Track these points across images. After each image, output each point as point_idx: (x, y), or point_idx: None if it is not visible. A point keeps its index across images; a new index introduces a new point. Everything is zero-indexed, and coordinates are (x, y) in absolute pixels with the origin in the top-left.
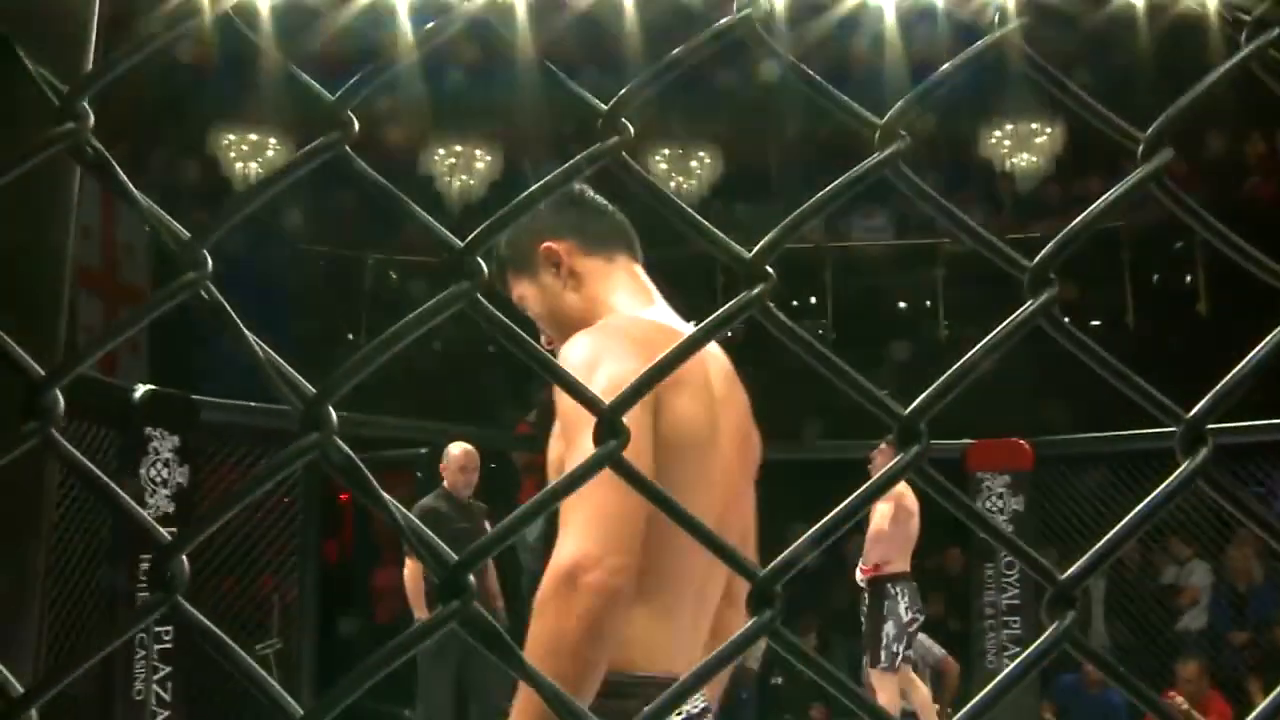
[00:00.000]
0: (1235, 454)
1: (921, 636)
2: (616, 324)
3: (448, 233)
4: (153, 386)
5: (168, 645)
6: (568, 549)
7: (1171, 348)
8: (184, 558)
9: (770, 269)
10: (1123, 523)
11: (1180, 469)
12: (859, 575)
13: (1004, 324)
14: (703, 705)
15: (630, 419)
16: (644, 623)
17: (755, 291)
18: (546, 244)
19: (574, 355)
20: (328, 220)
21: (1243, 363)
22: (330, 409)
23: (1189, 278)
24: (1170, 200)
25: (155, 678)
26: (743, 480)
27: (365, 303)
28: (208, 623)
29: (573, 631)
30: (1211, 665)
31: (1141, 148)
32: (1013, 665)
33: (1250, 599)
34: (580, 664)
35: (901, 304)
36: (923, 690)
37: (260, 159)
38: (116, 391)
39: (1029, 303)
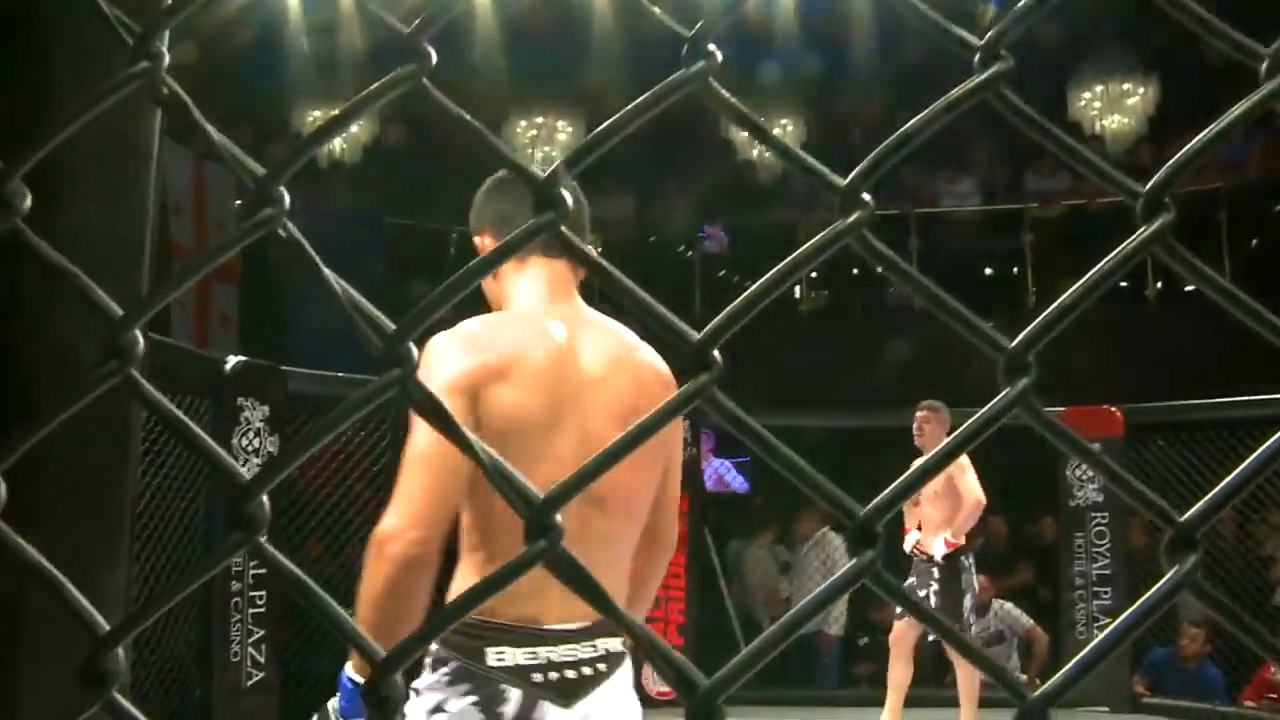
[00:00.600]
0: None
1: (1009, 606)
2: (467, 326)
3: (527, 167)
4: (244, 358)
5: (261, 609)
6: (384, 519)
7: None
8: (265, 498)
9: (868, 197)
10: (1246, 464)
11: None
12: (936, 548)
13: (1115, 253)
14: (617, 648)
15: (436, 409)
16: (487, 569)
17: (851, 219)
18: (476, 237)
19: (424, 354)
20: (414, 194)
21: (1063, 298)
22: (411, 346)
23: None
24: (1175, 261)
25: (250, 640)
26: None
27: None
28: (289, 563)
29: (378, 589)
30: None
31: (1140, 205)
32: (1126, 613)
33: None
34: (384, 613)
35: (989, 270)
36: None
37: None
38: (209, 363)
39: (1142, 229)
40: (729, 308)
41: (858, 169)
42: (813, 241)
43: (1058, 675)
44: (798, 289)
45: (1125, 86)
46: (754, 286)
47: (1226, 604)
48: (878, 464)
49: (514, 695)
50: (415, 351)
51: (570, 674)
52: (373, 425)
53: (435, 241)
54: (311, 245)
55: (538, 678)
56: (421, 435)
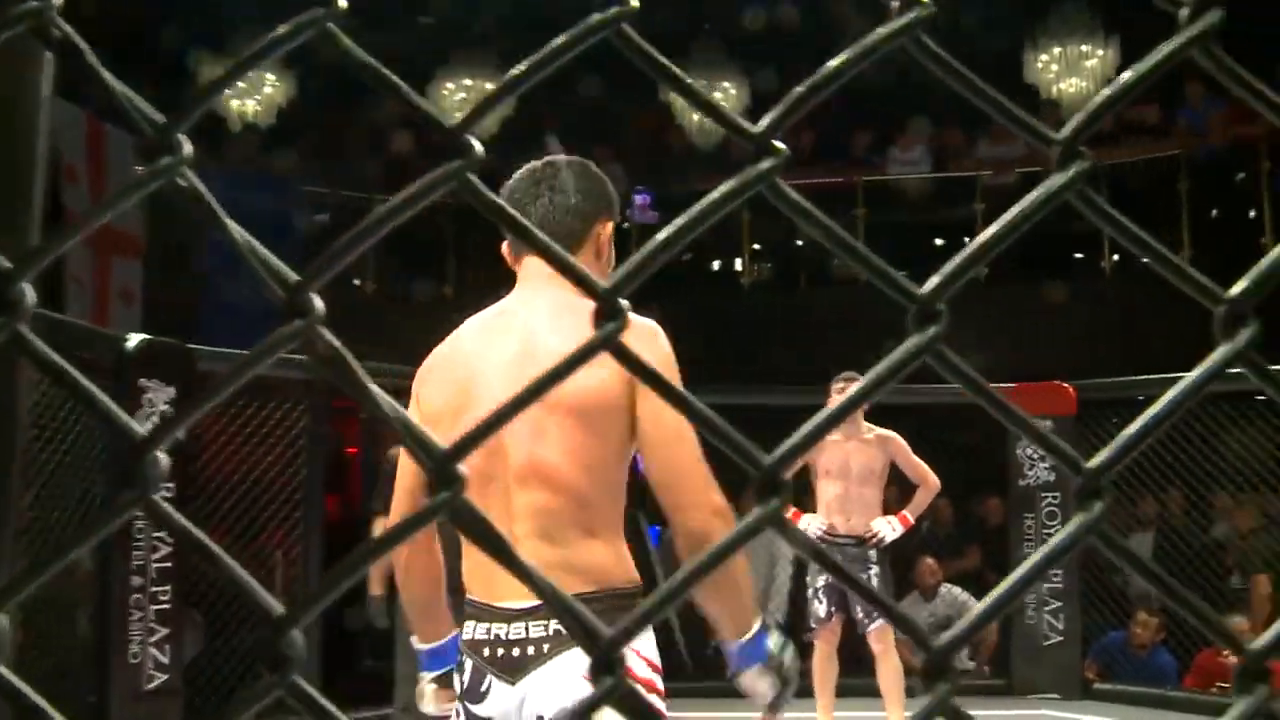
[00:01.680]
0: None
1: (957, 590)
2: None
3: (437, 113)
4: (146, 336)
5: (165, 605)
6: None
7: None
8: (159, 455)
9: (781, 145)
10: (1150, 413)
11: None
12: (883, 529)
13: (1029, 198)
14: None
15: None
16: (467, 566)
17: (764, 167)
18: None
19: None
20: (336, 164)
21: (974, 243)
22: (315, 296)
23: (1252, 212)
24: (1091, 211)
25: (152, 639)
26: (551, 424)
27: (375, 245)
28: (185, 522)
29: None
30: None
31: (1056, 153)
32: (1031, 560)
33: None
34: (401, 587)
35: (939, 240)
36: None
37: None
38: (109, 341)
39: (1057, 176)
40: (633, 258)
41: (771, 115)
42: (722, 188)
43: (960, 625)
44: (739, 261)
45: (1084, 49)
46: (660, 236)
47: (1136, 556)
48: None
49: (468, 666)
50: (319, 302)
51: (515, 651)
52: (289, 406)
53: (357, 212)
54: (227, 213)
55: (486, 652)
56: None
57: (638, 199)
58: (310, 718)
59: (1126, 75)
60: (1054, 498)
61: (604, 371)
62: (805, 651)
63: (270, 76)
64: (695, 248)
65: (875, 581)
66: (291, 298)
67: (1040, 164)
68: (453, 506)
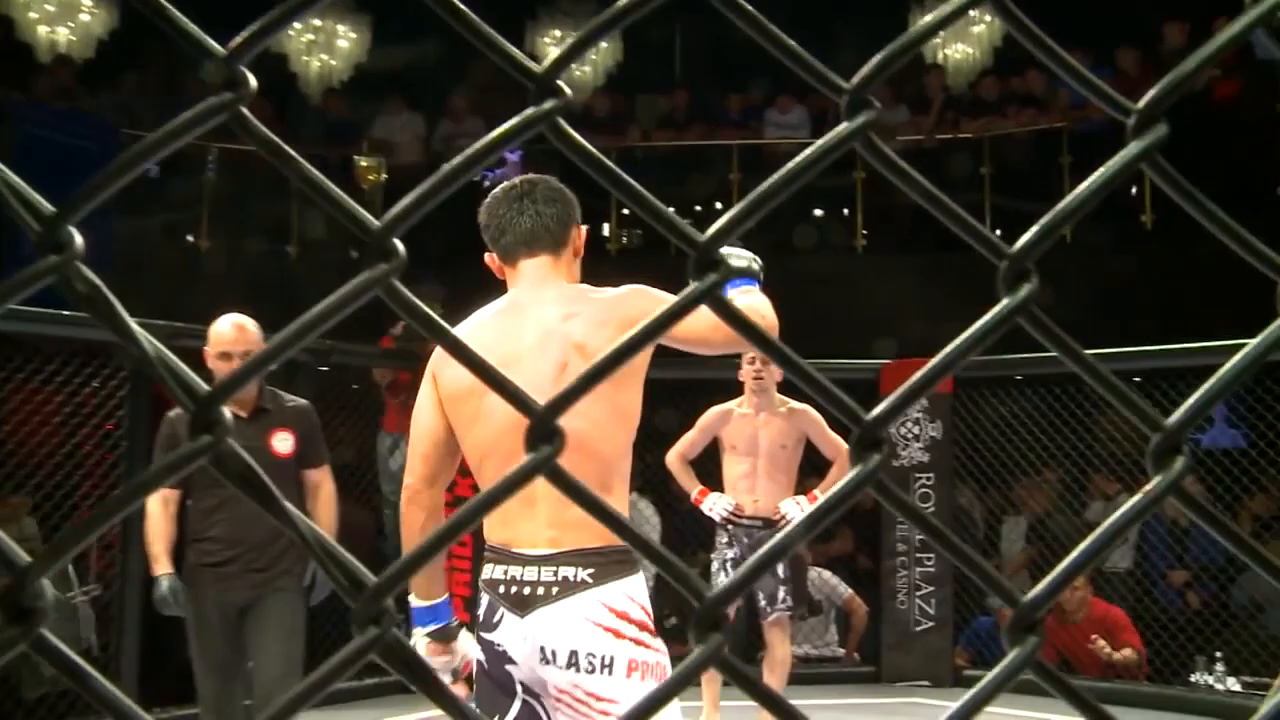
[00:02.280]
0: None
1: (827, 575)
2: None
3: (523, 57)
4: None
5: None
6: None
7: (1113, 265)
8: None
9: (562, 85)
10: (923, 370)
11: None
12: (799, 510)
13: (1111, 163)
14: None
15: (421, 388)
16: (490, 517)
17: (546, 106)
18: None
19: None
20: (162, 104)
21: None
22: (74, 232)
23: (1134, 189)
24: (1162, 178)
25: None
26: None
27: (208, 196)
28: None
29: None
30: (1139, 605)
31: (1133, 121)
32: (803, 515)
33: (1196, 537)
34: (403, 538)
35: (818, 211)
36: None
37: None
38: None
39: (845, 124)
40: (734, 211)
41: (552, 57)
42: (505, 127)
43: (732, 579)
44: (606, 226)
45: (971, 14)
46: (434, 177)
47: (912, 506)
48: (694, 416)
49: (484, 601)
50: (78, 238)
51: (525, 590)
52: (108, 373)
53: (192, 158)
54: (29, 151)
55: (501, 590)
56: (418, 402)
57: (510, 157)
58: (64, 676)
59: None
60: (928, 479)
61: (607, 311)
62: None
63: (87, 3)
64: (583, 215)
65: (781, 570)
66: (46, 233)
67: (923, 133)
68: (216, 451)
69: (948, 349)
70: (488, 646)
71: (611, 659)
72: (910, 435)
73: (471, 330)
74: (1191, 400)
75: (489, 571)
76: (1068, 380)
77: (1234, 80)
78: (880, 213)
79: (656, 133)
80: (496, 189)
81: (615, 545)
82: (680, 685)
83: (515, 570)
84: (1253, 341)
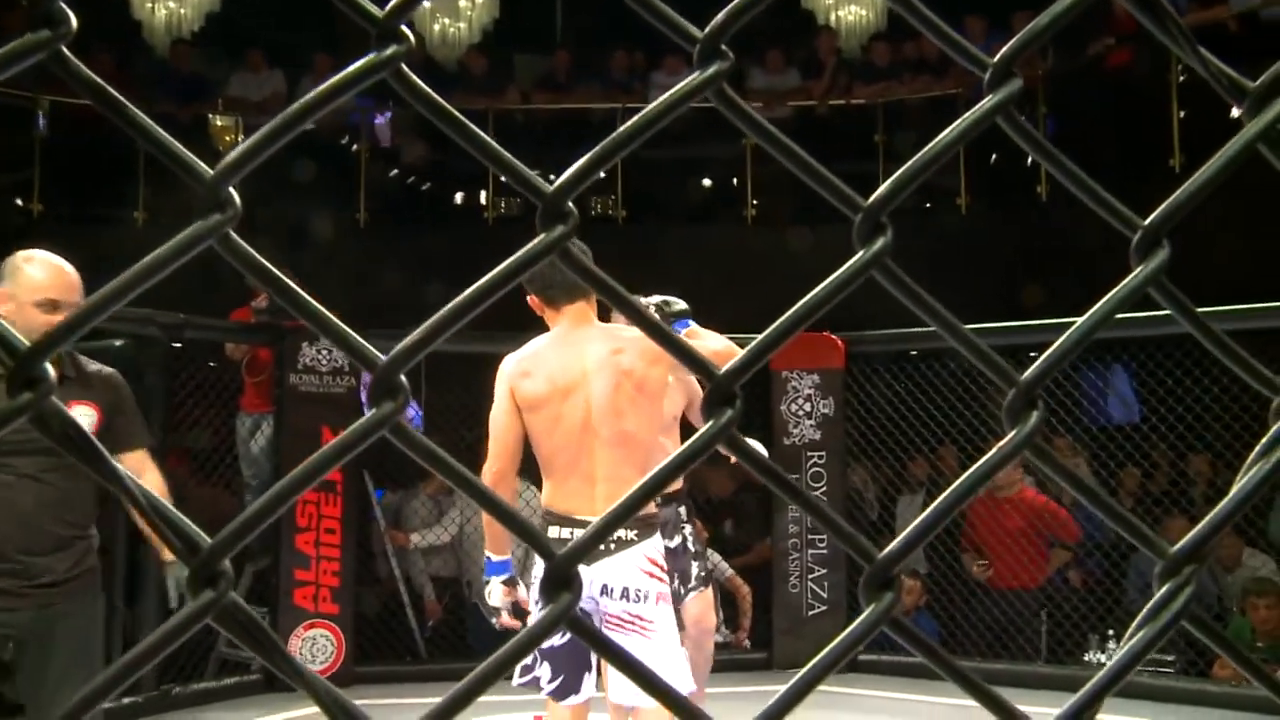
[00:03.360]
0: None
1: (712, 553)
2: (519, 349)
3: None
4: None
5: None
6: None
7: (1009, 236)
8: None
9: (405, 31)
10: (773, 331)
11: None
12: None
13: (966, 117)
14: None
15: (498, 396)
16: (548, 487)
17: (388, 52)
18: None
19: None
20: None
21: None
22: None
23: (1029, 159)
24: (1017, 133)
25: None
26: (612, 407)
27: (40, 155)
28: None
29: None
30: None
31: (988, 76)
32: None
33: (1079, 515)
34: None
35: (707, 180)
36: None
37: None
38: None
39: (989, 98)
40: (241, 146)
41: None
42: (345, 73)
43: (580, 539)
44: (483, 194)
45: None
46: (269, 125)
47: (763, 460)
48: None
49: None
50: None
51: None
52: None
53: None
54: None
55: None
56: (495, 406)
57: (378, 120)
58: None
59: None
60: (819, 457)
61: (664, 365)
62: None
63: None
64: (439, 179)
65: (690, 543)
66: None
67: (815, 98)
68: (38, 409)
69: (803, 302)
70: None
71: (648, 593)
72: (801, 412)
73: (536, 350)
74: (1045, 355)
75: (555, 533)
76: (959, 354)
77: (1127, 49)
78: (769, 181)
79: (536, 94)
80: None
81: (650, 513)
82: (857, 644)
83: (579, 533)
84: (1104, 299)
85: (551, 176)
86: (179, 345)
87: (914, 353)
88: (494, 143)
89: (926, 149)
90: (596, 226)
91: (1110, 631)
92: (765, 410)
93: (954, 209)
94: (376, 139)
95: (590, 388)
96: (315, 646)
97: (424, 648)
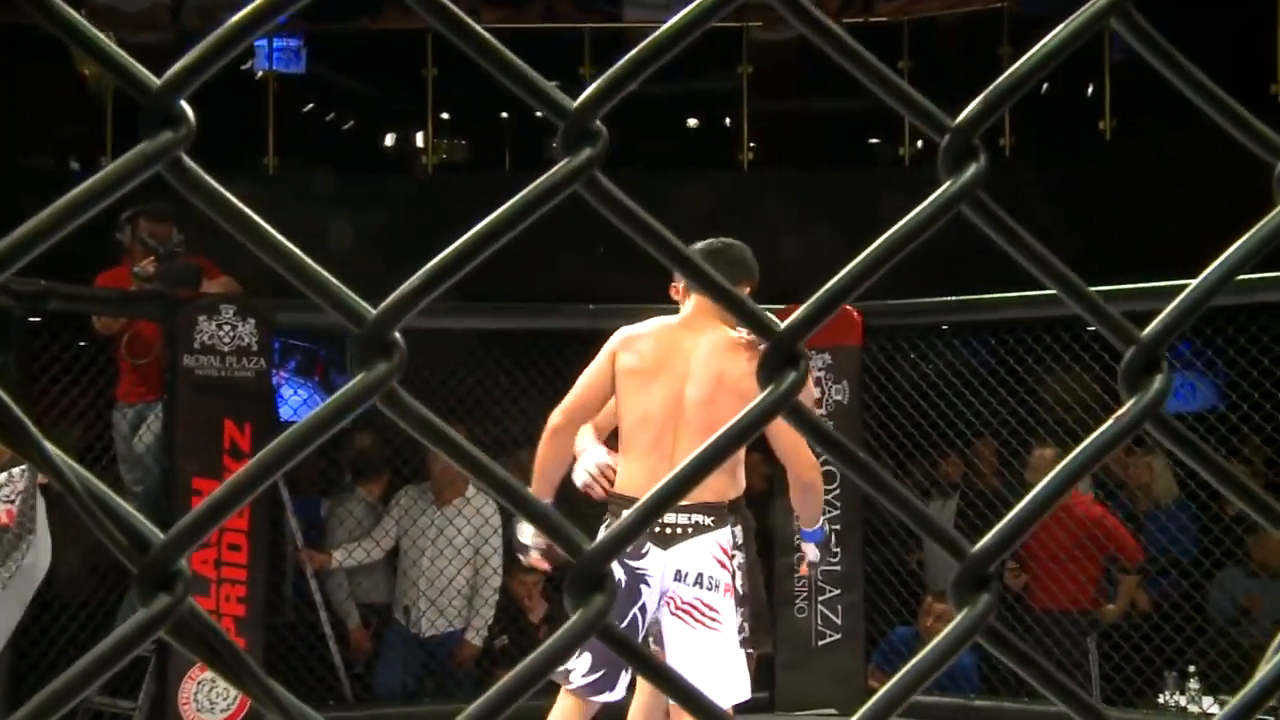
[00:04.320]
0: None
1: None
2: (631, 326)
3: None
4: None
5: None
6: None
7: (1065, 182)
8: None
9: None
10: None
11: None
12: None
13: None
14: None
15: (598, 358)
16: (622, 465)
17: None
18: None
19: None
20: None
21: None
22: None
23: (1090, 88)
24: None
25: None
26: (706, 396)
27: None
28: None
29: (541, 441)
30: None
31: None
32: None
33: (1153, 524)
34: (539, 457)
35: (693, 121)
36: None
37: None
38: None
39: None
40: (186, 57)
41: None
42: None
43: (610, 534)
44: (420, 137)
45: None
46: (210, 37)
47: (828, 431)
48: (564, 372)
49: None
50: None
51: (668, 530)
52: None
53: None
54: None
55: (651, 530)
56: (592, 365)
57: (291, 43)
58: None
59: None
60: None
61: (751, 366)
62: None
63: None
64: (366, 117)
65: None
66: None
67: (829, 15)
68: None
69: (880, 241)
70: (630, 571)
71: (719, 581)
72: (810, 400)
73: (650, 328)
74: (1171, 308)
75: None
76: (1005, 328)
77: None
78: (769, 120)
79: (486, 11)
80: (700, 245)
81: (724, 500)
82: (947, 657)
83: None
84: (1243, 238)
85: (505, 115)
86: (38, 319)
87: (945, 327)
88: (481, 30)
89: (1029, 58)
90: (474, 176)
91: (1191, 668)
92: None
93: (995, 152)
94: (287, 66)
95: (692, 374)
96: (214, 691)
97: (349, 688)
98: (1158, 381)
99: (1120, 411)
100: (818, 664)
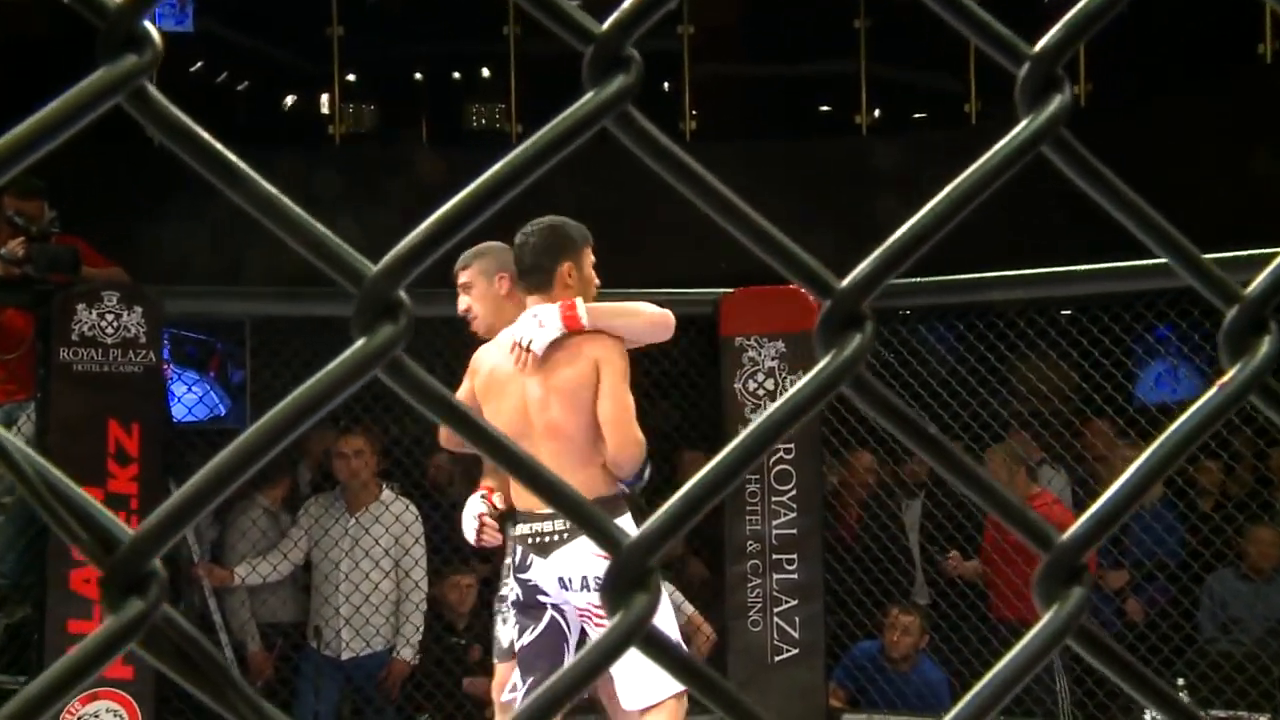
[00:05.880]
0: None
1: (668, 585)
2: None
3: None
4: None
5: None
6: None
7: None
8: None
9: None
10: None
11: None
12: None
13: None
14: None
15: (465, 386)
16: (514, 491)
17: None
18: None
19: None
20: None
21: None
22: None
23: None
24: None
25: None
26: (554, 400)
27: None
28: None
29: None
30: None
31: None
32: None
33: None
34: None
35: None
36: None
37: None
38: None
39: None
40: None
41: None
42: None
43: (651, 525)
44: (325, 102)
45: None
46: None
47: (900, 408)
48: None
49: (517, 550)
50: None
51: (544, 539)
52: None
53: None
54: None
55: (530, 541)
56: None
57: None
58: None
59: None
60: (786, 451)
61: (583, 364)
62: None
63: None
64: (264, 77)
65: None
66: None
67: None
68: None
69: (954, 185)
70: (523, 584)
71: None
72: (762, 391)
73: (494, 344)
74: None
75: (519, 530)
76: (977, 312)
77: None
78: (714, 84)
79: None
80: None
81: (602, 496)
82: (1036, 661)
83: (537, 525)
84: None
85: (419, 76)
86: None
87: (907, 311)
88: None
89: None
90: (479, 142)
91: (1180, 680)
92: (714, 389)
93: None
94: (174, 23)
95: (525, 381)
96: None
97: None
98: (1266, 344)
99: (1224, 379)
100: (774, 681)
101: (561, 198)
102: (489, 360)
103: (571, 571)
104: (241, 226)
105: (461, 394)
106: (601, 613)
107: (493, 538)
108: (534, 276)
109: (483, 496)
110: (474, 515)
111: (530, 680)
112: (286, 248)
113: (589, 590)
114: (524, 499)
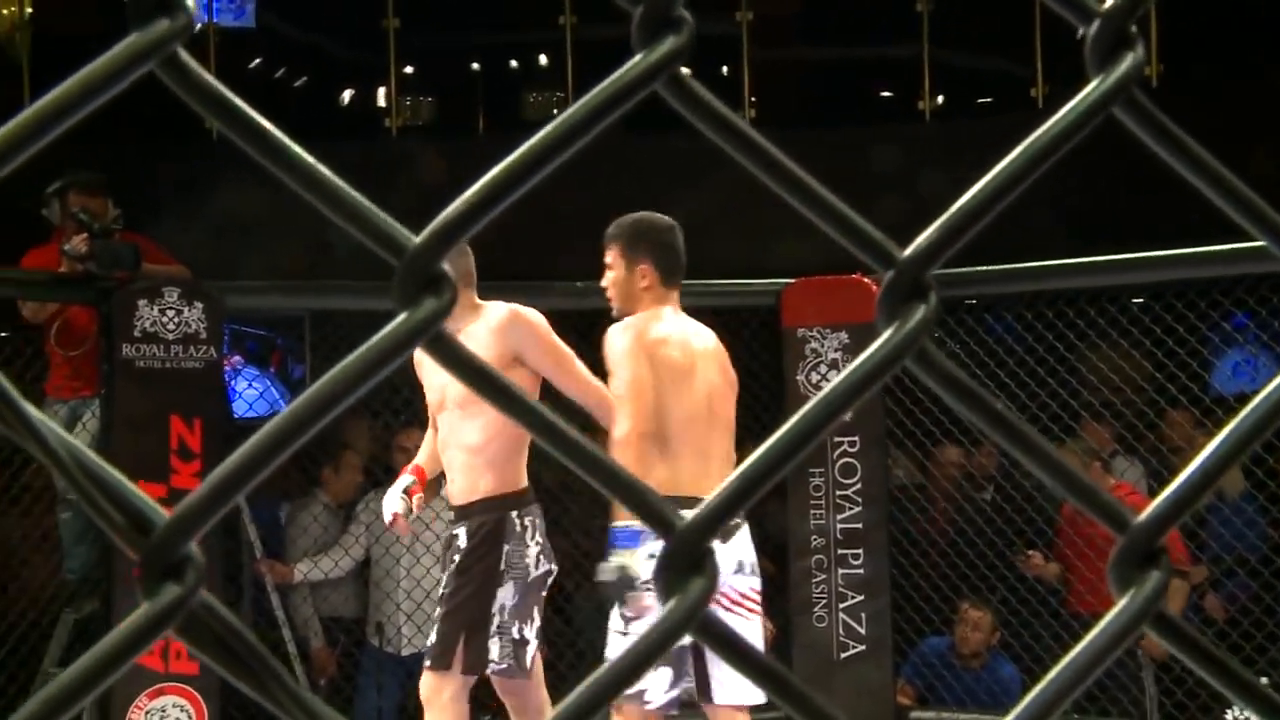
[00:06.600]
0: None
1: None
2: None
3: None
4: None
5: None
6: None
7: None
8: None
9: None
10: None
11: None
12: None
13: None
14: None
15: (632, 359)
16: (663, 467)
17: None
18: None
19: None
20: None
21: None
22: None
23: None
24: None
25: None
26: (724, 391)
27: None
28: None
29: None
30: None
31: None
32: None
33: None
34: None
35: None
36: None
37: None
38: None
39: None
40: None
41: None
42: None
43: (705, 508)
44: (382, 95)
45: None
46: None
47: (968, 384)
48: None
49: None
50: None
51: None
52: None
53: None
54: None
55: None
56: (629, 370)
57: None
58: None
59: None
60: (851, 444)
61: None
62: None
63: None
64: (321, 72)
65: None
66: None
67: None
68: None
69: (1026, 144)
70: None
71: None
72: (824, 383)
73: (666, 325)
74: None
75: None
76: (1047, 300)
77: None
78: (773, 70)
79: None
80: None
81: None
82: (1112, 647)
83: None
84: None
85: (476, 67)
86: None
87: (973, 301)
88: None
89: None
90: (537, 131)
91: (1264, 680)
92: (776, 381)
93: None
94: (233, 18)
95: (708, 369)
96: (164, 719)
97: None
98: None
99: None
100: (840, 678)
101: (565, 197)
102: (673, 337)
103: (745, 554)
104: (238, 227)
105: (645, 368)
106: (753, 599)
107: (404, 531)
108: (679, 278)
109: (405, 490)
110: (391, 512)
111: (683, 684)
112: (285, 247)
113: (754, 574)
114: (695, 484)
